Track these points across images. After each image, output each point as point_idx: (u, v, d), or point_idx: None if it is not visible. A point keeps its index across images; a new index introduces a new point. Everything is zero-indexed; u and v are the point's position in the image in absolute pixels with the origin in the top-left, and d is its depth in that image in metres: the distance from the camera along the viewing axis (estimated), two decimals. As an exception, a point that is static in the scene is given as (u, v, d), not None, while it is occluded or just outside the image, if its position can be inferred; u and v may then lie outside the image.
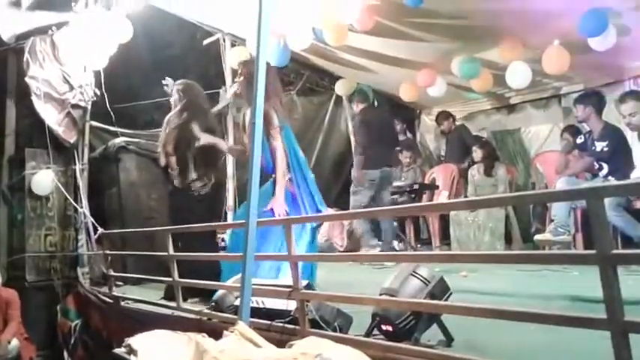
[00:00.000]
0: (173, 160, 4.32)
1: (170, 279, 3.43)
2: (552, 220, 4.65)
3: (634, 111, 4.27)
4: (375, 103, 7.69)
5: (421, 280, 2.21)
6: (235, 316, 2.38)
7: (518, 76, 5.88)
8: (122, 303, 4.30)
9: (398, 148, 6.85)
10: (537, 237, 4.77)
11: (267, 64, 2.90)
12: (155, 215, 5.53)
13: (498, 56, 5.88)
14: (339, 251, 6.60)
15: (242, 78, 3.71)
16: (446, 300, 2.21)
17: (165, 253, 3.42)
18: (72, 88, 5.62)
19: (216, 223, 3.57)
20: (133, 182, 5.79)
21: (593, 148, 4.85)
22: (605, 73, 6.21)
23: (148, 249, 4.36)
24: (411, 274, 2.23)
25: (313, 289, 2.65)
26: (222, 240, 5.08)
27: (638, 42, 5.21)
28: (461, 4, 4.92)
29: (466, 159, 6.77)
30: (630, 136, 4.53)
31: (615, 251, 1.52)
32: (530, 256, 1.90)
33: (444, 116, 7.22)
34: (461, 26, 5.37)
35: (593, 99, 5.04)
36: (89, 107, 5.77)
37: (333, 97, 7.71)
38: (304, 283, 2.51)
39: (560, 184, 4.62)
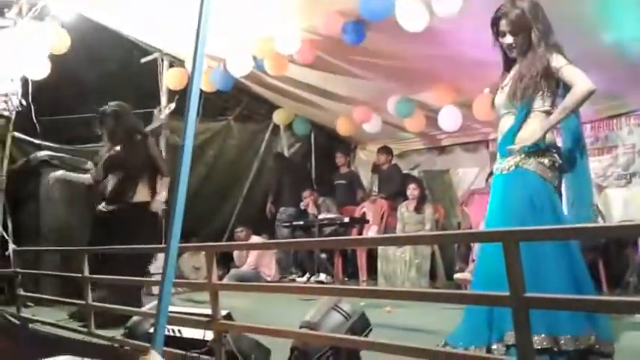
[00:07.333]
0: (111, 182, 4.20)
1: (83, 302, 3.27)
2: (474, 260, 4.78)
3: None
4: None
5: (342, 315, 2.20)
6: (149, 344, 2.28)
7: (450, 119, 6.09)
8: (31, 325, 4.04)
9: (342, 181, 7.49)
10: (456, 276, 4.89)
11: None
12: (75, 234, 5.25)
13: (432, 99, 6.08)
14: (267, 281, 6.52)
15: None
16: (366, 336, 2.21)
17: (80, 275, 3.26)
18: (-4, 95, 5.35)
19: (135, 246, 3.42)
20: (53, 199, 5.48)
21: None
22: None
23: (65, 269, 4.13)
24: (333, 308, 2.22)
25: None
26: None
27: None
28: (400, 46, 5.07)
29: (398, 195, 6.88)
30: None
31: (528, 294, 1.58)
32: (449, 295, 1.93)
33: (384, 151, 7.34)
34: (399, 67, 5.52)
35: None
36: (13, 117, 5.48)
37: (271, 125, 7.71)
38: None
39: (483, 226, 4.77)
